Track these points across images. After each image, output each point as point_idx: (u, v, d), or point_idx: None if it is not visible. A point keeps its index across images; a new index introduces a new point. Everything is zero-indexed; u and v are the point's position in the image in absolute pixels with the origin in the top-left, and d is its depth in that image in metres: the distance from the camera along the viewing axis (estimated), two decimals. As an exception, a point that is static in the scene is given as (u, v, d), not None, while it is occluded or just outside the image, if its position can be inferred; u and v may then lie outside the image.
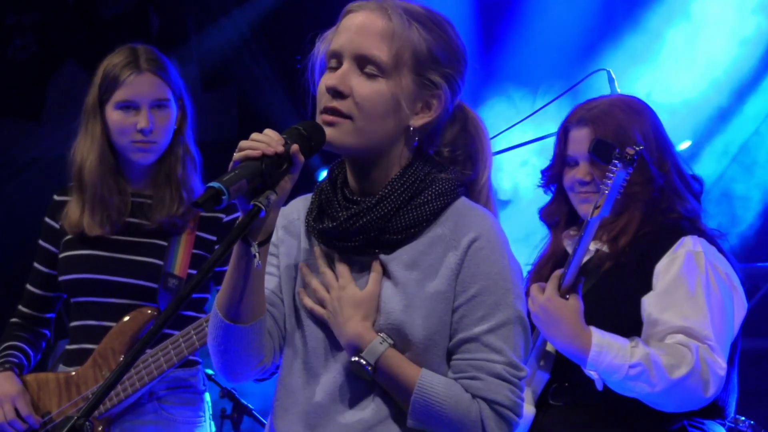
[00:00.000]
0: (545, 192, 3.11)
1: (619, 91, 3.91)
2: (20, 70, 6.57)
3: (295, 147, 1.98)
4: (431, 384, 2.03)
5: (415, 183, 2.08)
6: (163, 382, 3.20)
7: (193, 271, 3.21)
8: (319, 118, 2.07)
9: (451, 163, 2.16)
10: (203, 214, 3.25)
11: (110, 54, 3.27)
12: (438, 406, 2.02)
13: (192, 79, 6.33)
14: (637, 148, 2.75)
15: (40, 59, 6.60)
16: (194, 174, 3.28)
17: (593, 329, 2.76)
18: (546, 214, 3.10)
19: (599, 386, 2.78)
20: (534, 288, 2.85)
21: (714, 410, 2.89)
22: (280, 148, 1.96)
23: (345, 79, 2.04)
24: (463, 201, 2.13)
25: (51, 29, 6.57)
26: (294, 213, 2.21)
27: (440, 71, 2.09)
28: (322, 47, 2.13)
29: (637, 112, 2.99)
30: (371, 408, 2.07)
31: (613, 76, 3.92)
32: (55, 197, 3.35)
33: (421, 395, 2.03)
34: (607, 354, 2.72)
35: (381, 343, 2.05)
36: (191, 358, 3.24)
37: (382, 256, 2.09)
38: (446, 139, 2.17)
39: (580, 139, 2.96)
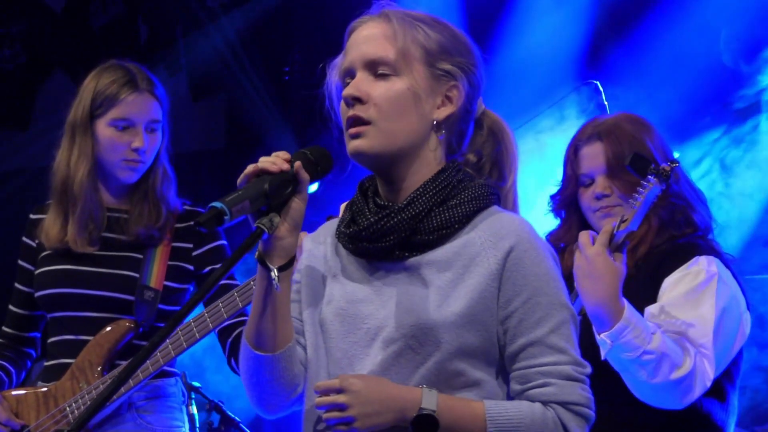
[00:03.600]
0: (555, 217, 3.10)
1: (606, 103, 3.93)
2: (8, 80, 6.56)
3: (297, 164, 1.98)
4: (499, 412, 2.00)
5: (447, 187, 2.08)
6: (141, 392, 3.18)
7: (170, 282, 3.21)
8: (346, 135, 2.08)
9: (477, 171, 2.15)
10: (178, 225, 3.25)
11: (97, 69, 3.26)
12: (515, 430, 1.99)
13: (180, 88, 6.33)
14: (673, 165, 2.75)
15: (29, 69, 6.59)
16: (170, 190, 3.28)
17: (626, 302, 2.74)
18: (554, 239, 3.08)
19: (603, 355, 2.73)
20: (584, 235, 2.78)
21: (714, 431, 2.88)
22: (286, 166, 1.97)
23: (360, 86, 2.06)
24: (495, 208, 2.12)
25: (39, 39, 6.56)
26: (321, 237, 2.20)
27: (452, 61, 2.10)
28: (335, 74, 2.15)
29: (643, 125, 3.02)
30: None
31: (601, 89, 3.93)
32: (31, 216, 3.34)
33: (496, 426, 1.99)
34: (632, 332, 2.68)
35: (429, 390, 2.00)
36: (169, 369, 3.23)
37: (413, 259, 2.06)
38: (474, 146, 2.17)
39: (594, 154, 2.97)
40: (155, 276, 3.20)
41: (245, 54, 6.20)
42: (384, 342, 2.05)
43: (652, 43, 5.42)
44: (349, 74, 2.10)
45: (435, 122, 2.09)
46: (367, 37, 2.09)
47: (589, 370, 2.06)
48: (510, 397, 2.07)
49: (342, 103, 2.09)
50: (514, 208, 2.18)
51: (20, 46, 6.55)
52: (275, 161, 1.97)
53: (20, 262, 3.34)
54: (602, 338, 2.72)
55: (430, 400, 1.99)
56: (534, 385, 2.02)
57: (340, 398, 2.00)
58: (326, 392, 2.02)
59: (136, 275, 3.19)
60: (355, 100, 2.05)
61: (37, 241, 3.29)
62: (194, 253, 3.26)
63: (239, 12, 6.23)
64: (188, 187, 3.36)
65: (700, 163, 5.30)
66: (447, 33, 2.12)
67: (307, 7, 5.70)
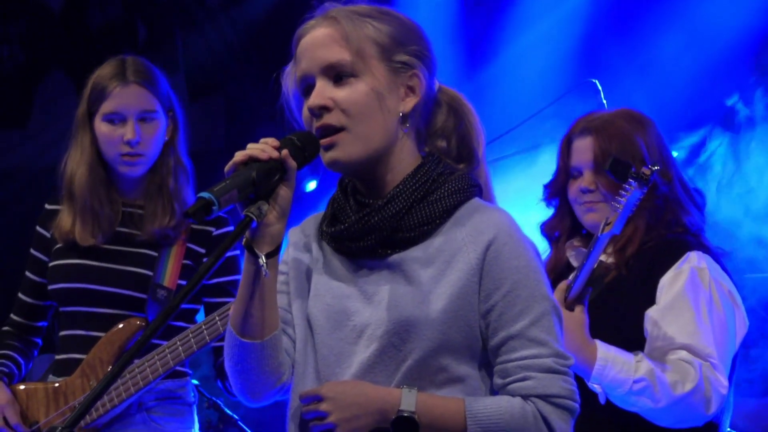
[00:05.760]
0: (547, 206, 3.12)
1: (605, 102, 3.92)
2: (7, 80, 6.57)
3: (285, 152, 1.97)
4: (479, 409, 2.00)
5: (427, 182, 2.08)
6: (151, 393, 3.18)
7: (183, 282, 3.19)
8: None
9: (448, 155, 2.15)
10: (194, 226, 3.24)
11: (101, 65, 3.26)
12: (496, 427, 1.99)
13: (179, 88, 6.34)
14: (653, 168, 2.75)
15: (27, 69, 6.60)
16: (186, 186, 3.26)
17: (598, 342, 2.75)
18: (547, 228, 3.11)
19: (602, 400, 2.76)
20: None
21: (709, 428, 2.88)
22: (275, 153, 1.96)
23: (323, 94, 2.05)
24: (477, 200, 2.12)
25: (37, 39, 6.57)
26: (306, 229, 2.20)
27: (407, 50, 2.09)
28: (290, 83, 2.14)
29: (640, 122, 3.01)
30: None
31: (599, 87, 3.93)
32: (47, 206, 3.33)
33: (476, 423, 2.00)
34: (612, 368, 2.71)
35: (409, 390, 2.02)
36: (180, 369, 3.22)
37: (396, 256, 2.07)
38: (437, 125, 2.17)
39: (584, 148, 2.97)
40: (169, 275, 3.19)
41: (244, 53, 6.21)
42: (368, 339, 2.06)
43: (652, 42, 5.43)
44: (306, 82, 2.08)
45: (402, 115, 2.09)
46: (319, 43, 2.07)
47: (572, 361, 2.05)
48: (494, 391, 2.07)
49: (305, 113, 2.08)
50: (487, 184, 2.18)
51: (18, 46, 6.56)
52: (264, 148, 1.96)
53: (33, 252, 3.33)
54: (592, 386, 2.75)
55: (409, 400, 2.00)
56: (514, 379, 2.02)
57: (321, 406, 2.03)
58: (308, 400, 2.04)
59: (150, 273, 3.19)
60: (322, 109, 2.05)
61: (51, 232, 3.29)
62: (205, 260, 3.24)
63: (238, 11, 6.24)
64: (194, 190, 3.34)
65: (696, 159, 5.32)
66: (396, 23, 2.11)
67: (306, 5, 5.69)
